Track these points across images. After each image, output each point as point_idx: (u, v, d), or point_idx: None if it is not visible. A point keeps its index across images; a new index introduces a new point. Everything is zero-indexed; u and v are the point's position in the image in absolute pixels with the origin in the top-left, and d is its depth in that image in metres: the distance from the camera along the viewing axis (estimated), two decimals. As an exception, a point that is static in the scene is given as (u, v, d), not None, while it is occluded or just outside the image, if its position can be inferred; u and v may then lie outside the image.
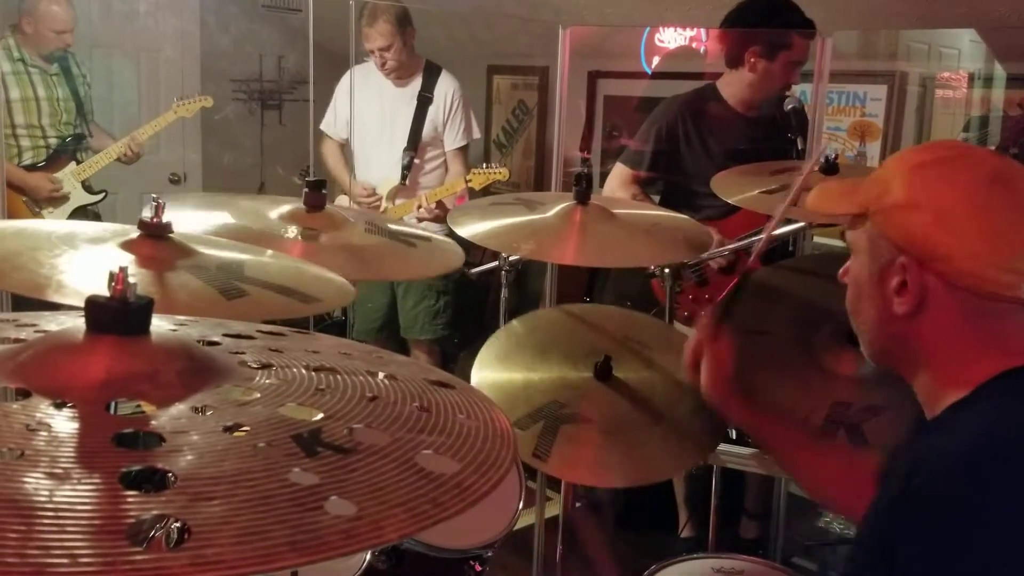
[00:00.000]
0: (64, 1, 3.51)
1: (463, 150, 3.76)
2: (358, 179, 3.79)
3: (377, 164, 3.72)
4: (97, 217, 3.71)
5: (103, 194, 3.73)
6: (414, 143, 3.65)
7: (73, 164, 3.63)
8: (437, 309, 3.74)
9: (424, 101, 3.64)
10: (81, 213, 3.66)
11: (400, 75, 3.62)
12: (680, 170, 2.90)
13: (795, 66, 2.80)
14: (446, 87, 3.66)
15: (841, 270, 1.26)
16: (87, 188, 3.68)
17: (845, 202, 1.22)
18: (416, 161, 3.68)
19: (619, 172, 2.98)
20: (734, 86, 2.89)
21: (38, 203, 3.56)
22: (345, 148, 3.81)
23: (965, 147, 1.15)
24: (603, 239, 1.83)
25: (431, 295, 3.73)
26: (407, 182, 3.68)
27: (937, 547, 0.98)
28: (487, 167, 3.69)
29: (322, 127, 3.76)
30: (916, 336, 1.14)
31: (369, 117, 3.67)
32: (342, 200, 3.68)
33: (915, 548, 0.99)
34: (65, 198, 3.61)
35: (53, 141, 3.60)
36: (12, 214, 3.43)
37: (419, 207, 3.58)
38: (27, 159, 3.54)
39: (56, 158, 3.60)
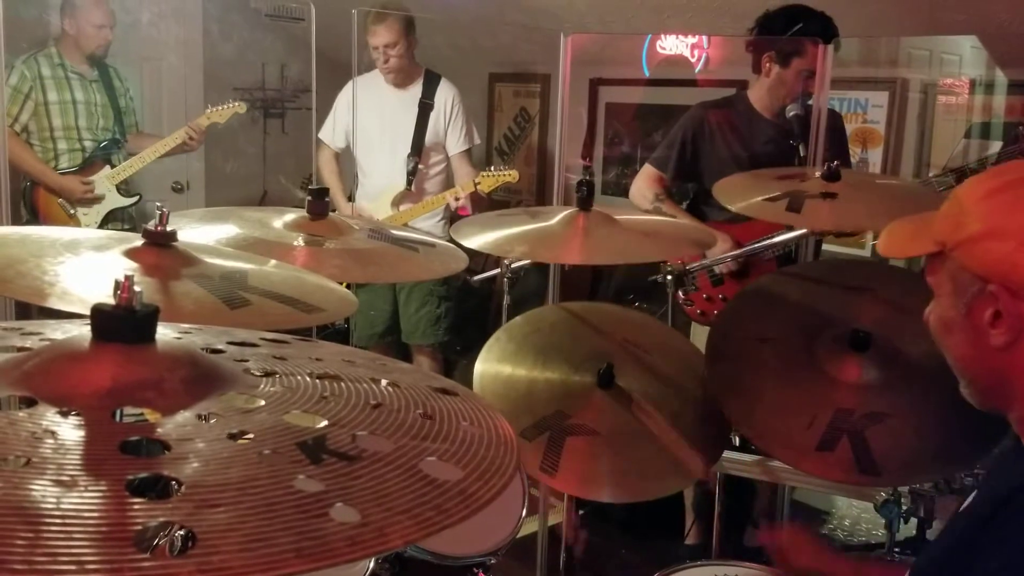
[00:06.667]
0: None
1: (468, 153, 3.79)
2: (360, 187, 3.80)
3: (379, 171, 3.75)
4: (132, 220, 3.77)
5: (137, 197, 3.79)
6: (418, 148, 3.69)
7: (107, 168, 3.70)
8: (439, 315, 3.78)
9: (425, 108, 3.69)
10: (116, 216, 3.74)
11: (401, 78, 3.68)
12: (705, 172, 2.96)
13: (809, 74, 2.84)
14: (446, 94, 3.72)
15: (925, 312, 1.20)
16: (121, 192, 3.74)
17: (919, 243, 1.18)
18: (420, 167, 3.71)
19: (646, 172, 3.10)
20: (758, 91, 3.00)
21: (73, 204, 3.63)
22: (339, 158, 3.84)
23: None
24: (606, 241, 1.84)
25: (433, 300, 3.76)
26: (412, 187, 3.70)
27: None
28: (494, 170, 3.65)
29: (320, 136, 3.79)
30: (1016, 366, 1.09)
31: (370, 125, 3.70)
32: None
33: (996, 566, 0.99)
34: (99, 199, 3.67)
35: (88, 144, 3.68)
36: (49, 217, 3.56)
37: (456, 198, 3.61)
38: (63, 163, 3.63)
39: (91, 162, 3.68)
